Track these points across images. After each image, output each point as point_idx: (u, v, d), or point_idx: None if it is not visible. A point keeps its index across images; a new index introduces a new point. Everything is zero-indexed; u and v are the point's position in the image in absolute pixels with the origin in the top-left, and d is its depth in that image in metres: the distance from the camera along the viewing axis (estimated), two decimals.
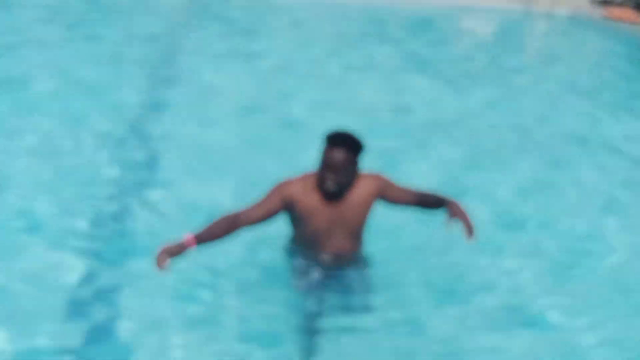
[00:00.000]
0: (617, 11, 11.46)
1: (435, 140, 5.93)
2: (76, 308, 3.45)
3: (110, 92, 6.49)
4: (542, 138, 6.15)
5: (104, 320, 3.37)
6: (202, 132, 5.80)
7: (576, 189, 5.12)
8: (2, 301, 3.46)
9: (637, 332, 3.53)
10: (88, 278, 3.67)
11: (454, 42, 10.20)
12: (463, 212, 3.33)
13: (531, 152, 5.80)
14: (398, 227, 4.16)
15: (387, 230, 4.01)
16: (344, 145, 3.15)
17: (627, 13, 11.36)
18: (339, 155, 3.13)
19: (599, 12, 11.59)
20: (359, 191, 3.29)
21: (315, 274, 3.43)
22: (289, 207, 3.26)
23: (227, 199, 4.55)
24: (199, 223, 4.19)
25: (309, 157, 3.87)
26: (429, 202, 3.40)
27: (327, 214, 3.28)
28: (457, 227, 3.35)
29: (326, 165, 3.15)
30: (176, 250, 2.95)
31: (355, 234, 3.41)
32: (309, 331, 3.31)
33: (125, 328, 3.32)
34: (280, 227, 3.49)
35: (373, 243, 3.62)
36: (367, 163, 3.40)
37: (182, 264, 3.13)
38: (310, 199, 3.25)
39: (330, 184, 3.17)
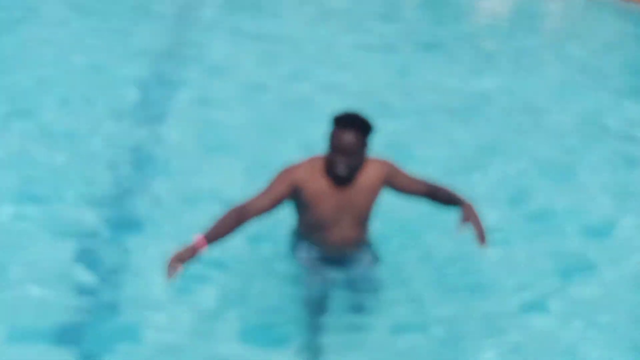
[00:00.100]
0: None
1: (446, 122, 5.83)
2: (77, 297, 3.40)
3: (115, 70, 6.41)
4: (555, 121, 6.04)
5: (105, 310, 3.33)
6: (208, 111, 5.73)
7: (590, 174, 5.02)
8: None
9: None
10: (88, 266, 3.63)
11: (468, 21, 10.04)
12: (476, 217, 3.21)
13: (544, 135, 5.68)
14: (411, 225, 4.07)
15: (399, 227, 3.95)
16: (353, 127, 3.02)
17: None
18: (349, 137, 3.00)
19: None
20: (367, 176, 3.19)
21: (320, 263, 3.35)
22: (296, 193, 3.14)
23: (233, 179, 4.50)
24: (205, 204, 4.20)
25: (317, 136, 3.78)
26: (440, 196, 3.28)
27: (335, 199, 3.17)
28: (469, 232, 3.23)
29: (336, 148, 3.03)
30: (188, 255, 2.79)
31: (362, 220, 3.30)
32: (313, 325, 3.24)
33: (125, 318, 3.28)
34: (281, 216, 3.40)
35: (385, 240, 3.53)
36: (377, 145, 3.29)
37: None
38: (318, 184, 3.14)
39: (342, 168, 3.04)
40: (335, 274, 3.39)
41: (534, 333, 3.40)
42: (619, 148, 5.54)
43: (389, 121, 4.35)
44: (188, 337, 3.20)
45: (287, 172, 3.13)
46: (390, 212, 3.75)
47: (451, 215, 3.48)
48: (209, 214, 4.09)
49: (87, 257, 3.69)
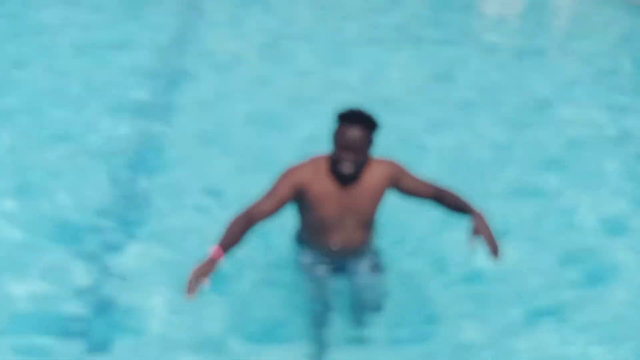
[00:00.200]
0: None
1: (452, 117, 5.77)
2: (78, 300, 3.34)
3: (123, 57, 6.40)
4: (562, 117, 5.96)
5: (105, 310, 3.29)
6: (211, 105, 5.69)
7: (597, 173, 4.90)
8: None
9: None
10: (91, 264, 3.57)
11: (476, 15, 9.99)
12: (488, 228, 3.02)
13: (551, 132, 5.60)
14: (419, 231, 3.97)
15: (406, 233, 3.87)
16: (359, 123, 2.91)
17: None
18: (355, 133, 2.89)
19: None
20: (372, 176, 3.07)
21: (324, 267, 3.25)
22: (300, 195, 3.03)
23: (235, 177, 4.45)
24: (206, 202, 4.13)
25: (320, 133, 3.70)
26: (448, 201, 3.13)
27: (339, 200, 3.06)
28: (481, 244, 3.06)
29: (341, 145, 2.92)
30: (207, 269, 2.66)
31: (366, 222, 3.19)
32: (316, 335, 3.15)
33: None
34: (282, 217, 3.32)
35: (393, 247, 3.45)
36: (381, 141, 3.19)
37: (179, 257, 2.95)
38: (322, 185, 3.04)
39: (347, 166, 2.94)
40: (338, 283, 3.30)
41: (545, 346, 3.27)
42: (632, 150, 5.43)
43: (394, 117, 4.25)
44: (191, 337, 3.16)
45: (290, 173, 3.03)
46: (396, 217, 3.66)
47: (462, 222, 3.33)
48: (210, 213, 4.09)
49: (87, 255, 3.65)
